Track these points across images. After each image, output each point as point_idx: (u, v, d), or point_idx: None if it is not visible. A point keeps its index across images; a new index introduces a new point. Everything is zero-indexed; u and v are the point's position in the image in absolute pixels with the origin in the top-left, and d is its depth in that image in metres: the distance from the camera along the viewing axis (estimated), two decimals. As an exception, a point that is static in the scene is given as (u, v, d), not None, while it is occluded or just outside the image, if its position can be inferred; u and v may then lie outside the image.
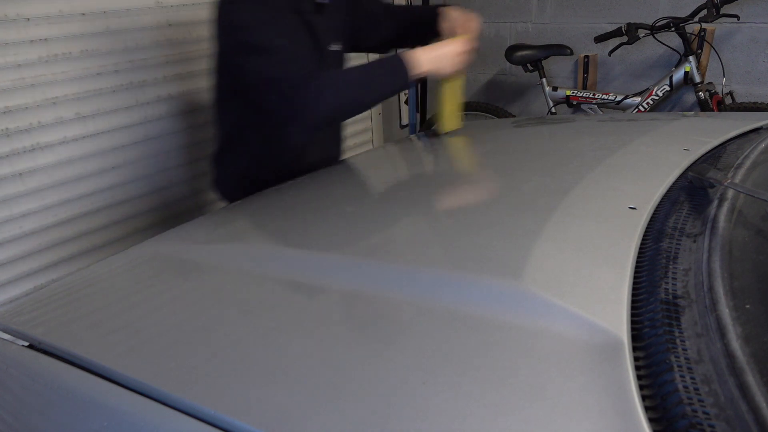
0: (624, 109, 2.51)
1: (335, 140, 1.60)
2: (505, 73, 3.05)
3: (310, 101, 1.19)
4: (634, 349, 0.55)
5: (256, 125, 1.46)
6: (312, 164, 1.37)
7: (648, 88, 2.45)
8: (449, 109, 1.43)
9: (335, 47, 1.42)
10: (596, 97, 2.57)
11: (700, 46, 2.37)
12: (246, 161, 1.52)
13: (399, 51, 1.33)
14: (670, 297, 0.62)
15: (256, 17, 1.25)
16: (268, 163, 1.48)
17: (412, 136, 1.63)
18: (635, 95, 2.48)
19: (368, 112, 2.93)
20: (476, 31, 1.44)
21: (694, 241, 0.73)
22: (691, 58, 2.31)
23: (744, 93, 2.39)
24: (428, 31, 1.49)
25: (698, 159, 1.02)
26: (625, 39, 2.35)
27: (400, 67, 1.23)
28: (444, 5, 1.50)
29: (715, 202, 0.79)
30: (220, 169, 1.62)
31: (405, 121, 3.27)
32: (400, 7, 1.60)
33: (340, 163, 1.38)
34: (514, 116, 2.89)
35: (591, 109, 2.62)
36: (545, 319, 0.59)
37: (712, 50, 2.36)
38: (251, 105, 1.37)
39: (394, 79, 1.24)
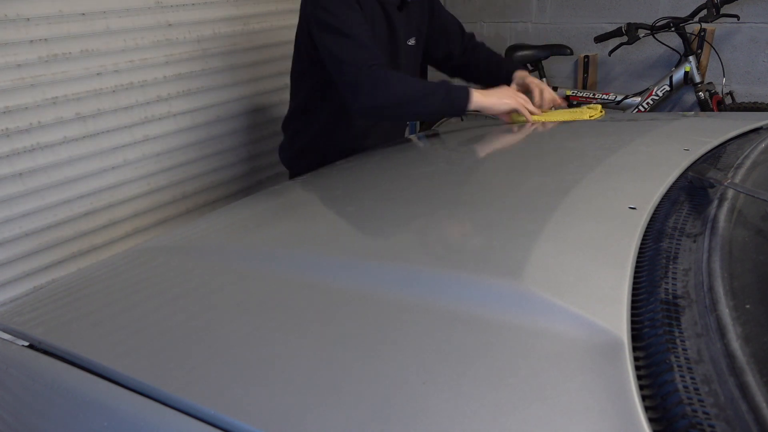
0: (624, 109, 2.51)
1: (399, 128, 1.69)
2: (505, 73, 3.05)
3: (368, 88, 1.29)
4: (634, 349, 0.55)
5: (326, 98, 1.54)
6: (371, 147, 1.47)
7: (648, 88, 2.45)
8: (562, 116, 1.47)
9: (411, 42, 1.52)
10: (596, 97, 2.57)
11: (700, 46, 2.37)
12: (311, 132, 1.61)
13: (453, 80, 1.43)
14: (670, 297, 0.62)
15: (338, 2, 1.33)
16: (330, 137, 1.57)
17: (413, 136, 1.63)
18: (635, 95, 2.48)
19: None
20: (549, 102, 1.50)
21: (694, 241, 0.73)
22: (691, 58, 2.31)
23: (744, 93, 2.38)
24: (495, 84, 1.53)
25: (698, 159, 1.02)
26: (625, 39, 2.35)
27: (460, 97, 1.33)
28: (520, 67, 1.57)
29: (715, 202, 0.79)
30: (285, 137, 1.71)
31: (405, 121, 3.26)
32: (481, 45, 1.66)
33: (339, 164, 1.38)
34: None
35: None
36: (545, 319, 0.59)
37: (712, 50, 2.36)
38: (326, 77, 1.44)
39: (450, 103, 1.33)
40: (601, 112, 1.44)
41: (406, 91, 1.31)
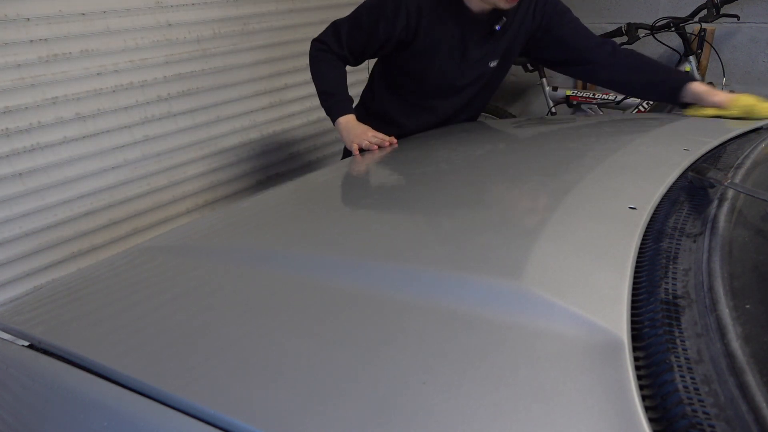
0: (624, 109, 2.51)
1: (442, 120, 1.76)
2: (505, 73, 3.05)
3: (310, 63, 1.62)
4: (634, 349, 0.55)
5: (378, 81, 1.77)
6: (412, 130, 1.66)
7: (648, 88, 2.45)
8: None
9: (493, 64, 1.61)
10: (596, 97, 2.57)
11: (700, 46, 2.37)
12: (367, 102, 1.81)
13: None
14: (670, 297, 0.62)
15: (382, 6, 1.50)
16: (374, 111, 1.74)
17: (412, 136, 1.63)
18: (635, 95, 2.48)
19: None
20: (726, 103, 1.38)
21: (694, 241, 0.73)
22: (691, 58, 2.31)
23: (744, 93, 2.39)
24: (667, 99, 1.52)
25: (698, 159, 1.02)
26: (625, 39, 2.35)
27: (332, 114, 1.57)
28: (690, 77, 1.47)
29: (715, 202, 0.79)
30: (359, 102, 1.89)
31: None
32: (642, 58, 1.56)
33: (339, 163, 1.38)
34: (514, 116, 2.89)
35: (591, 109, 2.62)
36: (545, 319, 0.59)
37: (712, 50, 2.37)
38: (383, 62, 1.71)
39: (328, 111, 1.59)
40: None
41: (320, 83, 1.59)
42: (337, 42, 1.56)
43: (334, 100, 1.58)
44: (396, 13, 1.46)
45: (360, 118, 1.60)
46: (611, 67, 1.56)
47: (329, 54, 1.58)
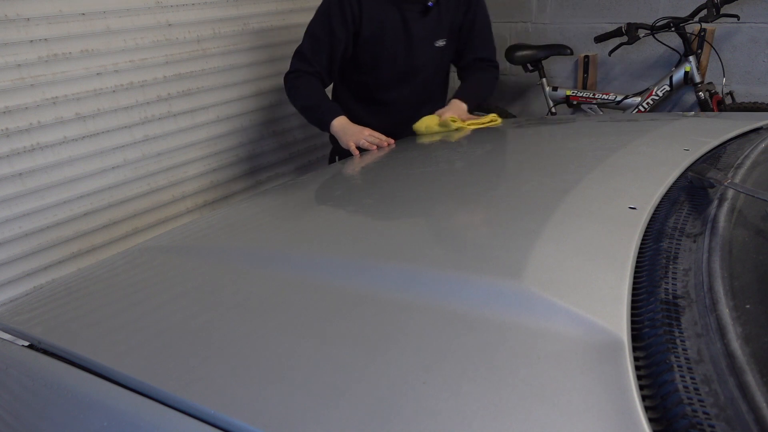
0: (624, 109, 2.51)
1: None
2: (505, 73, 3.05)
3: (288, 92, 1.73)
4: (634, 349, 0.55)
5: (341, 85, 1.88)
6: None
7: (648, 88, 2.45)
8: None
9: (440, 43, 1.71)
10: (596, 97, 2.57)
11: (700, 46, 2.37)
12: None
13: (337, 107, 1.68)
14: (670, 297, 0.62)
15: (327, 10, 1.64)
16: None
17: (412, 136, 1.63)
18: (635, 95, 2.48)
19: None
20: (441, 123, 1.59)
21: (694, 241, 0.73)
22: (691, 58, 2.31)
23: (744, 93, 2.38)
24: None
25: (698, 159, 1.02)
26: (625, 39, 2.35)
27: (324, 120, 1.63)
28: (461, 98, 1.69)
29: (715, 202, 0.79)
30: None
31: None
32: (478, 71, 1.81)
33: (339, 163, 1.38)
34: (514, 116, 2.89)
35: (591, 109, 2.62)
36: (545, 319, 0.59)
37: (712, 50, 2.36)
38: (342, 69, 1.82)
39: (320, 120, 1.66)
40: (497, 120, 1.58)
41: (302, 102, 1.69)
42: (305, 63, 1.67)
43: (320, 110, 1.65)
44: (341, 6, 1.60)
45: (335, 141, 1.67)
46: (464, 76, 1.80)
47: (302, 78, 1.67)
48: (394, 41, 1.65)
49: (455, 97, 1.68)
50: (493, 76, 1.82)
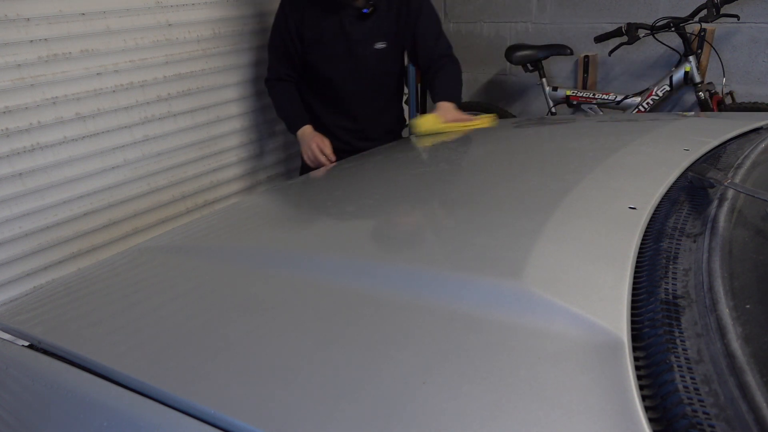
0: (624, 109, 2.51)
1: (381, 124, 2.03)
2: (505, 73, 3.05)
3: (271, 101, 2.00)
4: (634, 349, 0.55)
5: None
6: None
7: (648, 88, 2.45)
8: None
9: (380, 45, 1.85)
10: (596, 97, 2.57)
11: (700, 46, 2.37)
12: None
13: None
14: (670, 297, 0.62)
15: (277, 19, 1.88)
16: (313, 117, 1.97)
17: (412, 137, 1.63)
18: (635, 95, 2.48)
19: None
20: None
21: (694, 241, 0.73)
22: (691, 58, 2.31)
23: (744, 93, 2.38)
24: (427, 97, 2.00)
25: (698, 159, 1.02)
26: (625, 39, 2.35)
27: (293, 127, 1.89)
28: (446, 99, 1.75)
29: (715, 202, 0.79)
30: None
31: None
32: (445, 70, 1.89)
33: (339, 163, 1.38)
34: (514, 116, 2.89)
35: (591, 109, 2.62)
36: (545, 319, 0.59)
37: (712, 50, 2.36)
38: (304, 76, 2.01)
39: (289, 127, 1.93)
40: (492, 121, 1.58)
41: (277, 112, 1.99)
42: (273, 72, 1.93)
43: (288, 120, 1.93)
44: (284, 16, 1.82)
45: (316, 129, 1.87)
46: (433, 78, 1.87)
47: (276, 83, 1.92)
48: (335, 43, 1.82)
49: (438, 100, 1.75)
50: (457, 69, 1.89)
